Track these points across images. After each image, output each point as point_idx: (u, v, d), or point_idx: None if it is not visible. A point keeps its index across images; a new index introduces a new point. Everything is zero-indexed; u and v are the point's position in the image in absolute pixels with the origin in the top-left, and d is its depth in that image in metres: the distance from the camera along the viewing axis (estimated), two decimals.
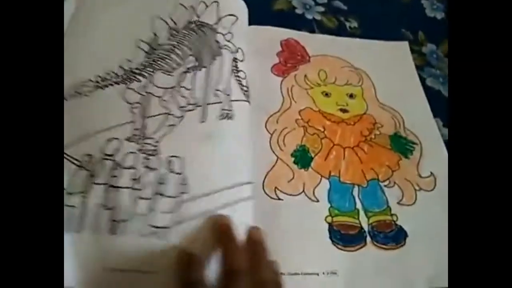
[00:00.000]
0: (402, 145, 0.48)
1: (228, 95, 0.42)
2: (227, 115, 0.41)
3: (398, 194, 0.44)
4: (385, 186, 0.44)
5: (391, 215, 0.43)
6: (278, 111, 0.48)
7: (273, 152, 0.45)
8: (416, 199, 0.44)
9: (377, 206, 0.43)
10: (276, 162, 0.44)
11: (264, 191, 0.42)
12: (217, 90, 0.42)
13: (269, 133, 0.46)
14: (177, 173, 0.37)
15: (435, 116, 0.50)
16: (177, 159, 0.37)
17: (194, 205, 0.35)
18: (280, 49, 0.53)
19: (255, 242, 0.34)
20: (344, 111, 0.49)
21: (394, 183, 0.45)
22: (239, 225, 0.35)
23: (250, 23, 0.51)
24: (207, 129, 0.40)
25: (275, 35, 0.54)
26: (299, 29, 0.56)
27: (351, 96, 0.51)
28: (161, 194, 0.36)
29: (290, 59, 0.53)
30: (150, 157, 0.37)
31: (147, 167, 0.37)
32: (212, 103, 0.41)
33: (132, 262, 0.33)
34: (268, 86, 0.49)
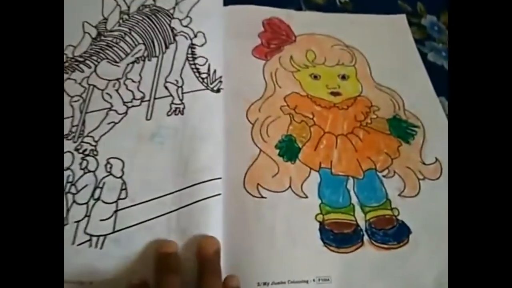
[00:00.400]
0: (402, 129, 0.43)
1: (180, 87, 0.39)
2: (177, 110, 0.37)
3: (399, 185, 0.39)
4: (383, 176, 0.40)
5: (392, 209, 0.38)
6: (261, 98, 0.43)
7: (255, 144, 0.40)
8: (419, 189, 0.39)
9: (375, 199, 0.38)
10: (259, 155, 0.39)
11: (245, 188, 0.37)
12: (168, 82, 0.39)
13: (251, 123, 0.41)
14: (116, 177, 0.34)
15: (438, 94, 0.45)
16: (117, 161, 0.34)
17: (132, 213, 0.33)
18: (262, 29, 0.48)
19: (204, 259, 0.31)
20: (335, 94, 0.45)
21: (394, 172, 0.40)
22: (183, 232, 0.32)
23: (227, 3, 0.48)
24: (152, 128, 0.36)
25: (255, 15, 0.49)
26: (284, 7, 0.51)
27: (343, 77, 0.46)
28: (97, 199, 0.33)
29: (274, 39, 0.48)
30: (88, 158, 0.34)
31: (84, 169, 0.34)
32: (161, 97, 0.38)
33: (65, 274, 0.30)
34: (249, 71, 0.45)
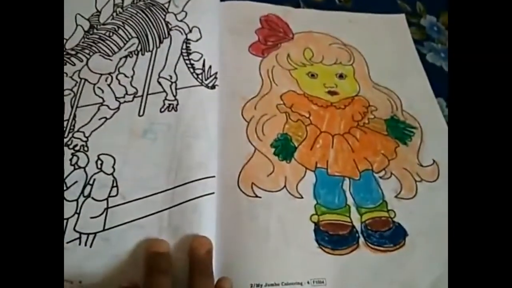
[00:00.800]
0: (399, 130, 0.42)
1: (174, 82, 0.38)
2: (170, 106, 0.36)
3: (395, 186, 0.38)
4: (380, 177, 0.39)
5: (388, 211, 0.37)
6: (256, 95, 0.42)
7: (250, 142, 0.39)
8: (416, 191, 0.38)
9: (371, 201, 0.37)
10: (254, 153, 0.38)
11: (239, 187, 0.36)
12: (162, 77, 0.38)
13: (246, 121, 0.40)
14: (107, 174, 0.33)
15: (437, 95, 0.45)
16: (108, 158, 0.33)
17: (123, 211, 0.32)
18: (259, 26, 0.47)
19: (195, 259, 0.30)
20: (333, 93, 0.44)
21: (391, 173, 0.39)
22: (175, 230, 0.31)
23: None
24: (144, 124, 0.36)
25: (253, 11, 0.48)
26: (281, 4, 0.50)
27: (340, 76, 0.45)
28: (88, 196, 0.32)
29: (271, 36, 0.47)
30: (78, 154, 0.33)
31: (74, 165, 0.33)
32: (154, 93, 0.37)
33: None
34: (245, 68, 0.44)
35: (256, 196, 0.36)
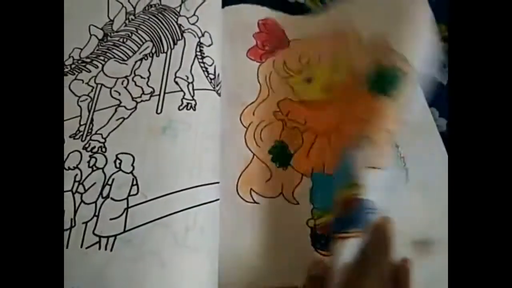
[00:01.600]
0: None
1: (191, 83, 0.37)
2: (188, 105, 0.36)
3: None
4: None
5: None
6: (255, 101, 0.43)
7: (249, 148, 0.40)
8: None
9: None
10: (252, 159, 0.39)
11: (238, 193, 0.37)
12: (178, 77, 0.37)
13: (244, 126, 0.41)
14: (126, 173, 0.32)
15: (430, 106, 0.45)
16: (126, 156, 0.33)
17: (145, 210, 0.31)
18: (257, 30, 0.48)
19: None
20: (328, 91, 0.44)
21: None
22: (201, 231, 0.31)
23: (225, 5, 0.47)
24: (163, 121, 0.35)
25: (251, 14, 0.48)
26: (277, 9, 0.50)
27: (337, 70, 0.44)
28: (106, 197, 0.31)
29: (268, 41, 0.47)
30: (96, 155, 0.33)
31: (92, 166, 0.32)
32: (171, 92, 0.36)
33: (73, 281, 0.29)
34: (243, 73, 0.44)
35: (255, 202, 0.37)
